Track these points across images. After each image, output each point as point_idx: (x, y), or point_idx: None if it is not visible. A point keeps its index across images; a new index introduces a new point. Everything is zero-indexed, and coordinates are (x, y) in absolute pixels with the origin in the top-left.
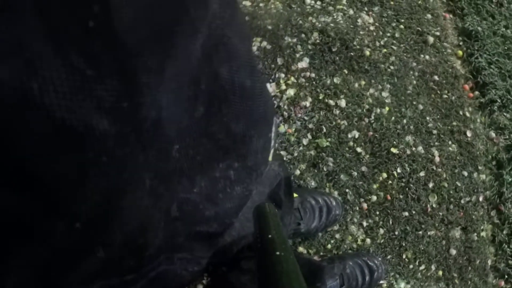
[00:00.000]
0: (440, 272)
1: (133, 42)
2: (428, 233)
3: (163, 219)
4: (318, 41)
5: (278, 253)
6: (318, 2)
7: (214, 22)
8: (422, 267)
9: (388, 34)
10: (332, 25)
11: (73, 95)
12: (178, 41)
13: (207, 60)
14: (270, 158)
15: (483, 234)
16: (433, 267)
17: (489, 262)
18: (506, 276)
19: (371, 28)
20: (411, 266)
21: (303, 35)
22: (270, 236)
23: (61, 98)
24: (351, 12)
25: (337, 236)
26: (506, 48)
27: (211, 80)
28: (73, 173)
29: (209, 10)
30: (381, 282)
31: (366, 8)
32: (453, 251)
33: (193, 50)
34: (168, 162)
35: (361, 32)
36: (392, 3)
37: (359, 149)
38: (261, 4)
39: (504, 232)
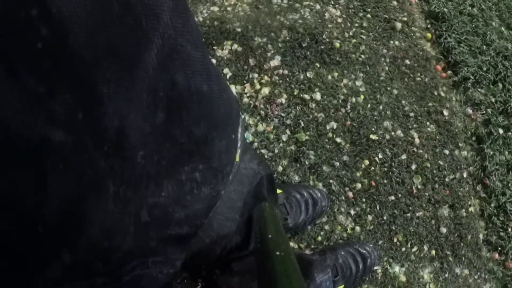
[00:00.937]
0: (433, 252)
1: (91, 56)
2: (417, 214)
3: (132, 224)
4: (288, 38)
5: (278, 253)
6: (285, 0)
7: (166, 32)
8: (415, 248)
9: (356, 25)
10: (300, 21)
11: (27, 110)
12: (133, 52)
13: (163, 68)
14: (237, 159)
15: (471, 209)
16: (425, 248)
17: (481, 236)
18: (499, 248)
19: (339, 20)
20: (403, 249)
21: (272, 34)
22: (270, 236)
23: (16, 113)
24: (318, 7)
25: (326, 227)
26: (473, 26)
27: (169, 87)
28: (31, 180)
29: (160, 21)
30: (376, 268)
31: (332, 1)
32: (444, 230)
33: (148, 59)
34: (134, 169)
35: (329, 25)
36: None
37: (338, 140)
38: (228, 8)
39: (492, 205)
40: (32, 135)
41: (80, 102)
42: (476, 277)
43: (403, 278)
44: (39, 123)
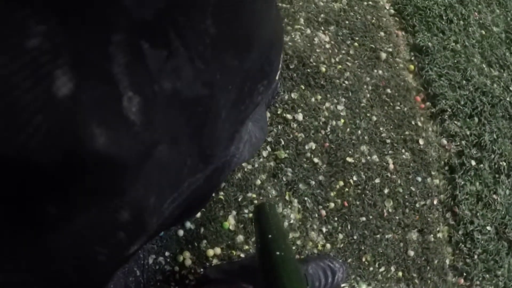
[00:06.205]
0: (400, 273)
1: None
2: (386, 236)
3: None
4: None
5: (278, 253)
6: None
7: None
8: (382, 269)
9: (343, 51)
10: (290, 43)
11: None
12: None
13: None
14: (276, 78)
15: (439, 235)
16: (392, 269)
17: (447, 261)
18: (464, 274)
19: (327, 46)
20: (371, 269)
21: None
22: (270, 236)
23: None
24: (308, 31)
25: (298, 242)
26: (455, 61)
27: None
28: None
29: None
30: (343, 285)
31: (322, 28)
32: (411, 253)
33: None
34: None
35: (317, 50)
36: (347, 22)
37: (316, 160)
38: None
39: (460, 232)
40: None
41: None
42: None
43: None
44: None
